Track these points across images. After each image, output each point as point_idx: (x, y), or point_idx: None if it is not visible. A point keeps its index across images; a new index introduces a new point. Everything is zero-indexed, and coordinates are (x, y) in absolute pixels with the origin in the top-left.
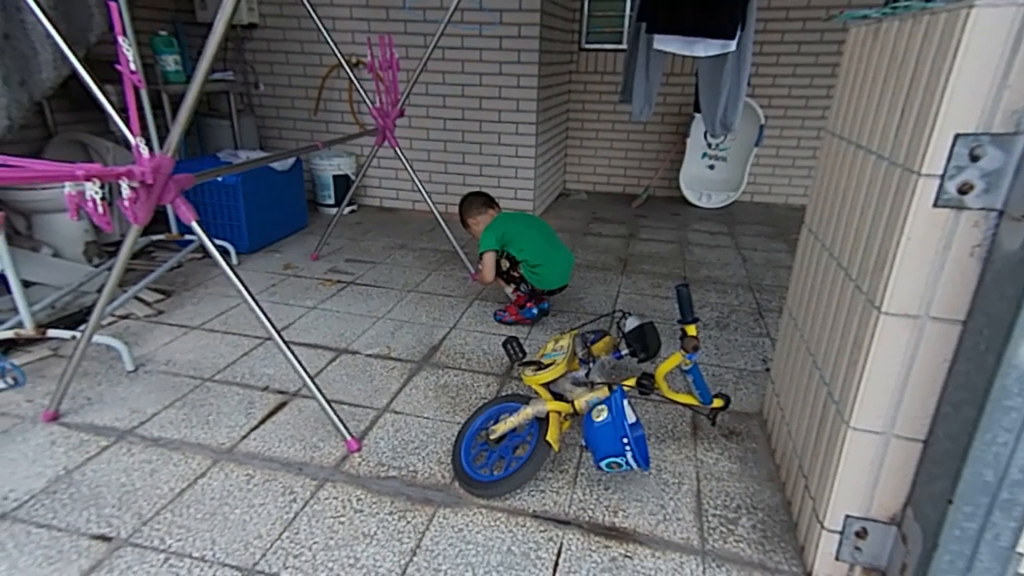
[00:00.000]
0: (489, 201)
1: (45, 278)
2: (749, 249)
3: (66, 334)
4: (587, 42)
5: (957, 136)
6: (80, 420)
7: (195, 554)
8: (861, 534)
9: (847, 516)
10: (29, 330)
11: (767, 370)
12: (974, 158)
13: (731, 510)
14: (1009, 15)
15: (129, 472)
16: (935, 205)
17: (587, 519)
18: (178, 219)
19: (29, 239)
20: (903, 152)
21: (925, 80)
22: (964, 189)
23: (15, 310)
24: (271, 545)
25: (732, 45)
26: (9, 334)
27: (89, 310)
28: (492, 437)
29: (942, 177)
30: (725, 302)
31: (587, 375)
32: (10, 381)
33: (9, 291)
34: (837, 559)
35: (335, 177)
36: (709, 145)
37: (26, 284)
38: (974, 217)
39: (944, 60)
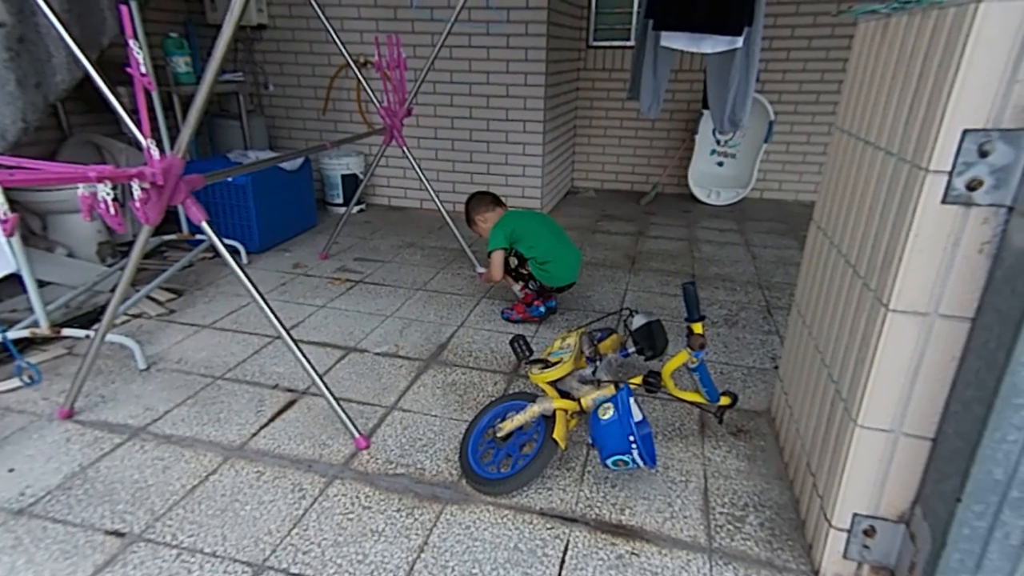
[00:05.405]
0: (496, 200)
1: (60, 278)
2: (759, 246)
3: (80, 333)
4: (595, 39)
5: (966, 132)
6: (94, 417)
7: (206, 550)
8: (869, 532)
9: (855, 514)
10: (44, 329)
11: (775, 368)
12: (983, 154)
13: (739, 508)
14: (1018, 9)
15: (142, 469)
16: (943, 202)
17: (594, 516)
18: (189, 219)
19: (44, 239)
20: (911, 148)
21: (933, 75)
22: (973, 185)
23: (31, 309)
24: (281, 541)
25: (739, 42)
26: (25, 333)
27: (102, 309)
28: (499, 435)
29: (950, 173)
30: (734, 300)
31: (594, 373)
32: (26, 379)
33: (25, 291)
34: (845, 557)
35: (344, 176)
36: (718, 142)
37: (41, 284)
38: (983, 214)
39: (953, 55)
